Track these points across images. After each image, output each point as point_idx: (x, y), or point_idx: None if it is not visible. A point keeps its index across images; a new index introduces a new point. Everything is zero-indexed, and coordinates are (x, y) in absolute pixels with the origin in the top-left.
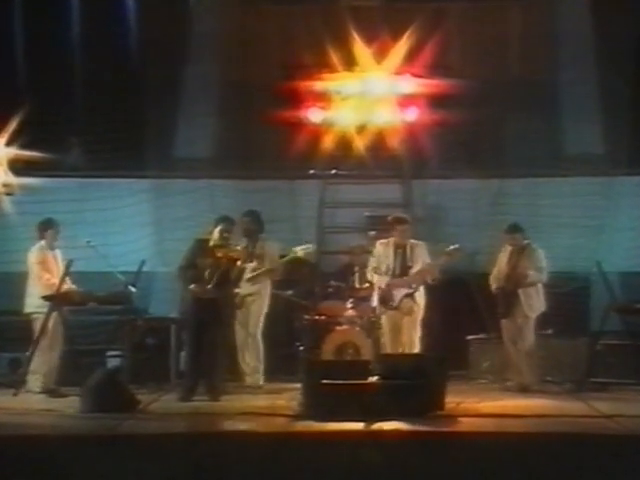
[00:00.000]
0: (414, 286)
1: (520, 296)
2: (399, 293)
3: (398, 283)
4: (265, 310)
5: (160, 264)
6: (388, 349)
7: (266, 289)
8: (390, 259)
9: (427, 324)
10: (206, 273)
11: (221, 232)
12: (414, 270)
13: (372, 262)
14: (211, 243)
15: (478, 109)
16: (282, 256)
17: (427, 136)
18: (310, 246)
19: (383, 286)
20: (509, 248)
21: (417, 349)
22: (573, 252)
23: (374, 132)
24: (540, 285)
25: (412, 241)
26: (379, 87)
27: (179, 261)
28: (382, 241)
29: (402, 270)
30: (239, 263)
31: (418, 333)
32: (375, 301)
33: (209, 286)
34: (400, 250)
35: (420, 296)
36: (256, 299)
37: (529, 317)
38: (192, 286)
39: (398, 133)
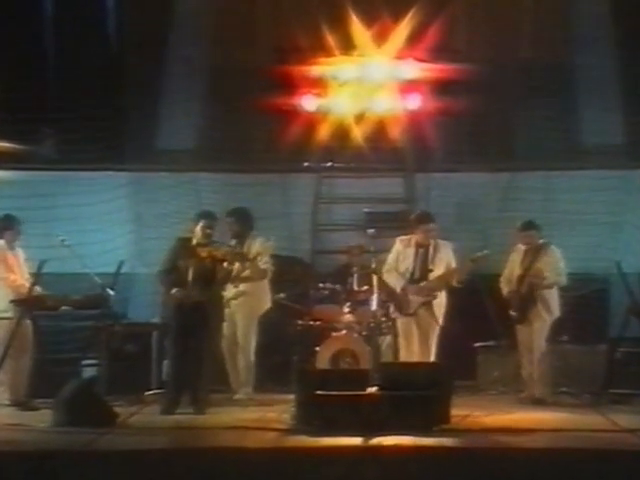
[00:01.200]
0: (434, 293)
1: (536, 300)
2: (416, 299)
3: (415, 289)
4: (258, 314)
5: (140, 265)
6: (402, 358)
7: (257, 291)
8: (410, 260)
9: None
10: (189, 275)
11: (203, 229)
12: (435, 274)
13: (390, 261)
14: (193, 242)
15: (487, 96)
16: (273, 255)
17: (431, 125)
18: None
19: (399, 290)
20: (522, 248)
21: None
22: (590, 251)
23: (374, 121)
24: (556, 288)
25: (438, 241)
26: (379, 72)
27: (160, 263)
28: (403, 238)
29: (422, 273)
30: (225, 263)
31: (434, 345)
32: (374, 305)
33: (193, 289)
34: (422, 250)
35: (440, 304)
36: (245, 302)
37: (545, 323)
38: (174, 291)
39: (400, 122)
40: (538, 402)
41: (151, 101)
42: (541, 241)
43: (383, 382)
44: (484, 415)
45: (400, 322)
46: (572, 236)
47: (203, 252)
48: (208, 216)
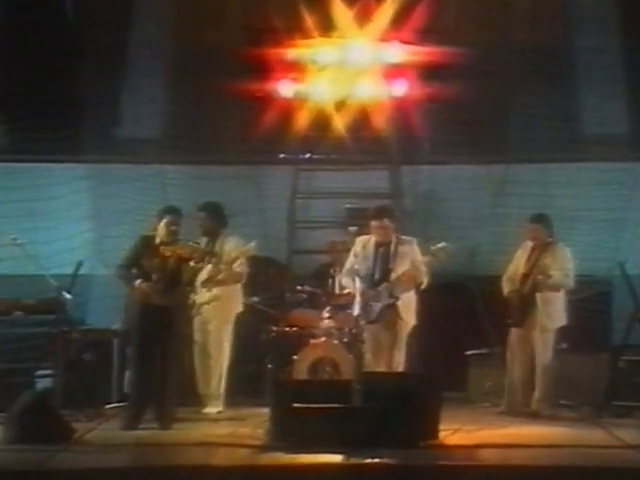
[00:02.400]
0: (395, 294)
1: (537, 302)
2: (378, 303)
3: (374, 294)
4: (231, 319)
5: (100, 265)
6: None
7: (230, 296)
8: (370, 261)
9: (417, 337)
10: (153, 276)
11: (168, 226)
12: (395, 274)
13: (349, 263)
14: (157, 240)
15: (479, 81)
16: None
17: (418, 114)
18: (253, 245)
19: (359, 294)
20: (529, 244)
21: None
22: (591, 251)
23: (356, 109)
24: (562, 293)
25: (401, 237)
26: (362, 55)
27: (120, 259)
28: (362, 237)
29: (383, 274)
30: (192, 263)
31: (403, 352)
32: (357, 310)
33: (157, 292)
34: (383, 249)
35: (407, 307)
36: (218, 307)
37: (547, 329)
38: (138, 282)
39: (384, 110)
40: (534, 415)
41: (111, 86)
42: (550, 240)
43: (366, 394)
44: (475, 429)
45: (366, 330)
46: (571, 234)
47: (168, 251)
48: (173, 212)
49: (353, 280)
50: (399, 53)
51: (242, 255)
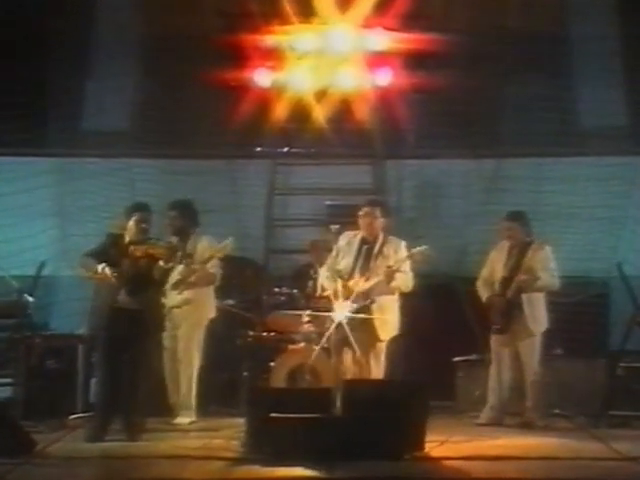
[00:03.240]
0: (371, 297)
1: (523, 306)
2: (352, 304)
3: (348, 292)
4: (204, 324)
5: (64, 266)
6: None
7: (202, 299)
8: (350, 258)
9: (402, 342)
10: (122, 277)
11: (137, 224)
12: (375, 275)
13: (330, 262)
14: (126, 239)
15: (468, 71)
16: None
17: (404, 105)
18: (228, 243)
19: (330, 292)
20: (507, 244)
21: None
22: (588, 251)
23: (337, 99)
24: (544, 295)
25: (388, 237)
26: (343, 43)
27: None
28: (348, 233)
29: (362, 274)
30: (162, 263)
31: (381, 360)
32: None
33: (126, 294)
34: (367, 247)
35: (385, 309)
36: (190, 311)
37: (533, 333)
38: (101, 267)
39: (367, 101)
40: (527, 426)
41: (77, 75)
42: (529, 239)
43: (348, 403)
44: (464, 441)
45: (334, 335)
46: (567, 233)
47: (138, 251)
48: (142, 209)
49: (335, 281)
50: (383, 40)
51: (216, 254)
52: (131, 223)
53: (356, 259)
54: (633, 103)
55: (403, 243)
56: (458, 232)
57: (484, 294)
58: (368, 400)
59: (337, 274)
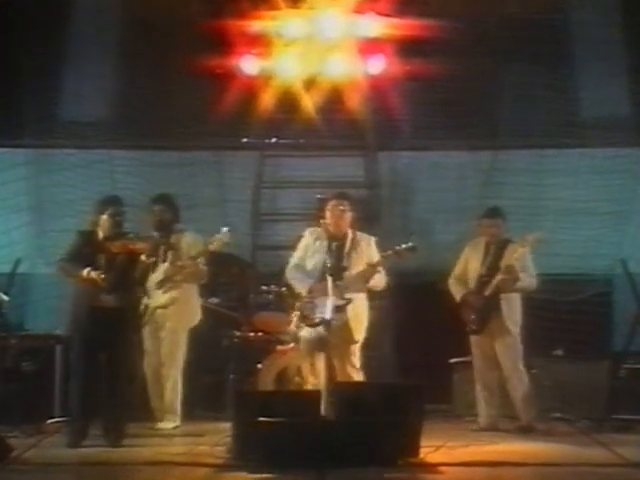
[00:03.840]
0: (348, 296)
1: (501, 306)
2: (326, 305)
3: (324, 290)
4: (189, 326)
5: (41, 263)
6: (308, 384)
7: (187, 298)
8: (320, 256)
9: (394, 343)
10: (99, 274)
11: (112, 218)
12: (351, 273)
13: (296, 257)
14: (101, 235)
15: (465, 58)
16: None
17: (397, 94)
18: (224, 235)
19: (304, 292)
20: (483, 241)
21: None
22: (590, 247)
23: (327, 88)
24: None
25: (357, 233)
26: (334, 29)
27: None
28: (314, 229)
29: (335, 272)
30: (144, 257)
31: (356, 362)
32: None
33: (104, 293)
34: (337, 244)
35: (357, 311)
36: (175, 311)
37: (514, 336)
38: (86, 271)
39: (359, 89)
40: (526, 430)
41: (53, 62)
42: (506, 235)
43: (339, 406)
44: (461, 446)
45: (305, 335)
46: (568, 228)
47: (115, 246)
48: (116, 202)
49: (301, 278)
50: (375, 26)
51: (209, 248)
52: (104, 218)
53: (327, 256)
54: (638, 92)
55: (373, 239)
56: (452, 227)
57: (458, 292)
58: (360, 403)
59: (307, 275)
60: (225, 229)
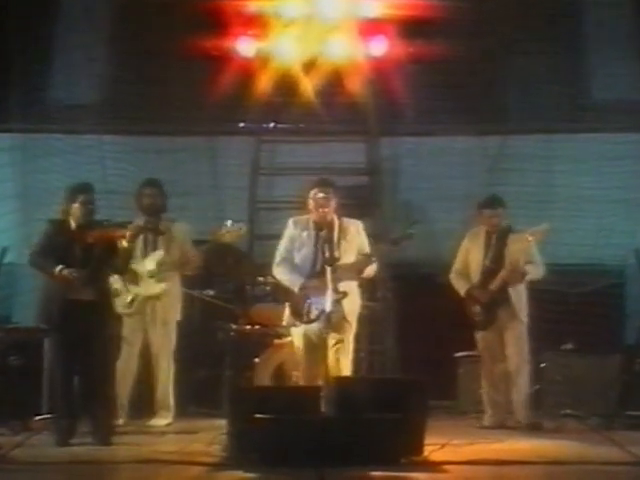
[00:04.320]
0: (342, 289)
1: (510, 299)
2: (319, 299)
3: (317, 284)
4: (177, 318)
5: (27, 253)
6: (302, 381)
7: (176, 289)
8: (309, 247)
9: (399, 338)
10: (71, 273)
11: (84, 205)
12: (344, 262)
13: (283, 250)
14: (73, 224)
15: (470, 39)
16: (200, 242)
17: (400, 77)
18: (242, 226)
19: (296, 289)
20: (482, 231)
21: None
22: (601, 236)
23: (327, 71)
24: (525, 285)
25: (343, 219)
26: (334, 9)
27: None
28: (298, 218)
29: (327, 263)
30: (125, 243)
31: (349, 357)
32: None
33: (82, 284)
34: (324, 233)
35: (352, 303)
36: (162, 304)
37: (521, 329)
38: (58, 269)
39: (360, 72)
40: (534, 428)
41: (41, 43)
42: (506, 223)
43: (340, 403)
44: (466, 444)
45: (297, 332)
46: (579, 216)
47: (92, 236)
48: (87, 190)
49: (290, 274)
50: (377, 6)
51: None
52: (76, 206)
53: (315, 247)
54: None
55: (360, 224)
56: (458, 216)
57: (461, 286)
58: (362, 399)
59: (296, 269)
60: (229, 222)
